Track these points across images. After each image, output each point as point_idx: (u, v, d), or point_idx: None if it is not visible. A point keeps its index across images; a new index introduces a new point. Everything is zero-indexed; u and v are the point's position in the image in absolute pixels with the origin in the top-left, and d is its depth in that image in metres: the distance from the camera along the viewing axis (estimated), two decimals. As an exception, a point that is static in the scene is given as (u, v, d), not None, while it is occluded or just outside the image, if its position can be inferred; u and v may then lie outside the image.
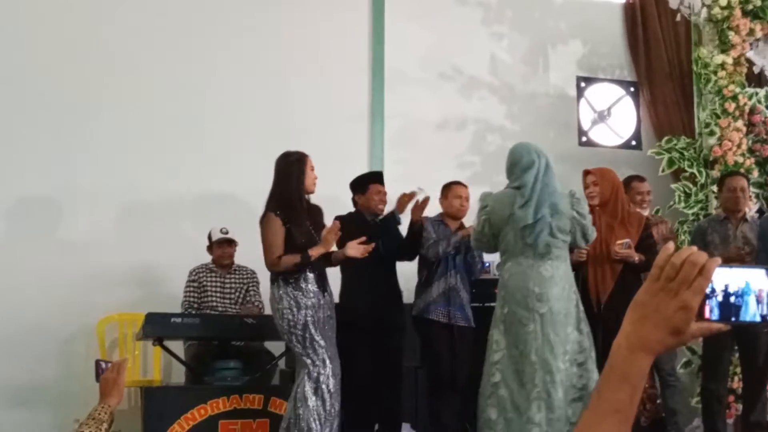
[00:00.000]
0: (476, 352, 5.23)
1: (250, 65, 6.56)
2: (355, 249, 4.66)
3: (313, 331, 4.38)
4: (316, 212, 4.68)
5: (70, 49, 6.17)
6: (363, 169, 6.48)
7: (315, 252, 4.45)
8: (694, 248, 1.07)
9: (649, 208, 5.86)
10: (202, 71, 6.44)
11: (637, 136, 7.32)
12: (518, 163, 4.44)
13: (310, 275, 4.47)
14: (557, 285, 4.27)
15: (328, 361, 4.40)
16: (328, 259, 4.70)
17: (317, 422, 4.33)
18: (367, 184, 5.41)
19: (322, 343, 4.40)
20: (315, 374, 4.36)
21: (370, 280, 5.15)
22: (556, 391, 4.09)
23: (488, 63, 7.31)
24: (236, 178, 6.15)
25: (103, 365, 2.59)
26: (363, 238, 4.72)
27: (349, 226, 5.21)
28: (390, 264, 5.36)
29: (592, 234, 4.52)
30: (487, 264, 5.88)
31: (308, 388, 4.35)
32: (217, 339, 5.29)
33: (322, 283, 4.55)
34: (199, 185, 6.29)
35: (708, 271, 1.05)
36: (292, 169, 4.54)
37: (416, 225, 5.27)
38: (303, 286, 4.44)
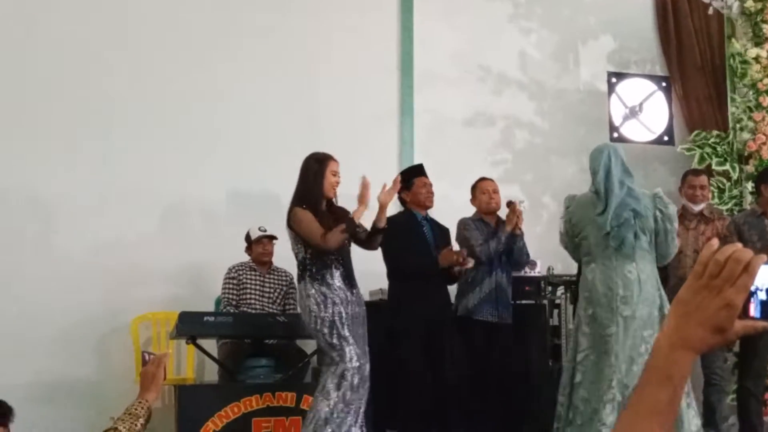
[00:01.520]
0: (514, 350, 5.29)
1: (278, 64, 6.58)
2: (386, 194, 4.60)
3: (339, 327, 4.37)
4: (342, 214, 4.63)
5: (97, 51, 6.21)
6: (393, 167, 6.48)
7: (357, 214, 4.46)
8: (739, 245, 1.06)
9: (705, 203, 5.60)
10: (231, 71, 6.47)
11: (669, 131, 7.24)
12: (591, 169, 4.55)
13: (336, 272, 4.46)
14: (642, 288, 4.30)
15: (354, 358, 4.39)
16: (367, 241, 4.67)
17: (332, 415, 4.33)
18: (411, 178, 5.35)
19: (350, 339, 4.39)
20: (340, 370, 4.36)
21: (421, 283, 5.10)
22: (624, 393, 4.16)
23: (517, 60, 7.27)
24: (268, 177, 6.16)
25: (147, 357, 2.57)
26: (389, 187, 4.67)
27: (401, 224, 5.19)
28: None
29: (674, 245, 4.48)
30: (535, 262, 5.88)
31: (331, 384, 4.36)
32: (250, 337, 5.31)
33: (350, 279, 4.53)
34: (231, 185, 6.33)
35: (753, 268, 1.03)
36: (310, 171, 4.56)
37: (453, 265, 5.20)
38: (330, 282, 4.43)
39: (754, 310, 1.08)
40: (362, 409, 4.49)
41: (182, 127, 6.30)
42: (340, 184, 4.63)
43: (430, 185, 5.37)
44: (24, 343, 5.71)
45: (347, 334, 4.39)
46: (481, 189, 5.50)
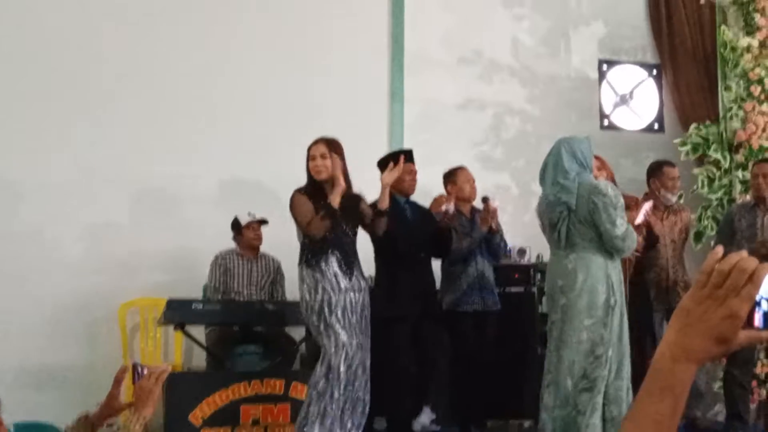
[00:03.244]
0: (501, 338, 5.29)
1: (269, 48, 6.52)
2: (389, 174, 4.61)
3: (327, 314, 4.32)
4: (355, 199, 4.58)
5: (90, 38, 6.15)
6: (383, 151, 6.44)
7: (334, 198, 4.38)
8: (744, 253, 1.03)
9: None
10: (223, 57, 6.41)
11: (659, 119, 7.24)
12: None
13: (332, 257, 4.40)
14: (578, 277, 4.36)
15: (341, 347, 4.32)
16: (371, 225, 4.63)
17: (329, 407, 4.30)
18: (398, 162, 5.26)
19: (337, 327, 4.33)
20: (328, 359, 4.33)
21: (405, 271, 5.04)
22: (564, 379, 4.30)
23: (509, 45, 7.23)
24: (258, 162, 6.12)
25: (140, 370, 2.47)
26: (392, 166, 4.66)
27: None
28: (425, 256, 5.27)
29: (613, 233, 4.33)
30: (509, 249, 5.85)
31: (320, 373, 4.33)
32: (238, 324, 5.29)
33: (348, 265, 4.46)
34: (221, 171, 6.29)
35: (758, 277, 1.01)
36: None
37: (445, 227, 5.18)
38: (324, 268, 4.38)
39: (758, 320, 1.06)
40: (363, 399, 4.45)
41: (173, 113, 6.24)
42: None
43: (415, 173, 5.30)
44: (12, 328, 5.68)
45: (333, 321, 4.34)
46: (464, 177, 5.51)
